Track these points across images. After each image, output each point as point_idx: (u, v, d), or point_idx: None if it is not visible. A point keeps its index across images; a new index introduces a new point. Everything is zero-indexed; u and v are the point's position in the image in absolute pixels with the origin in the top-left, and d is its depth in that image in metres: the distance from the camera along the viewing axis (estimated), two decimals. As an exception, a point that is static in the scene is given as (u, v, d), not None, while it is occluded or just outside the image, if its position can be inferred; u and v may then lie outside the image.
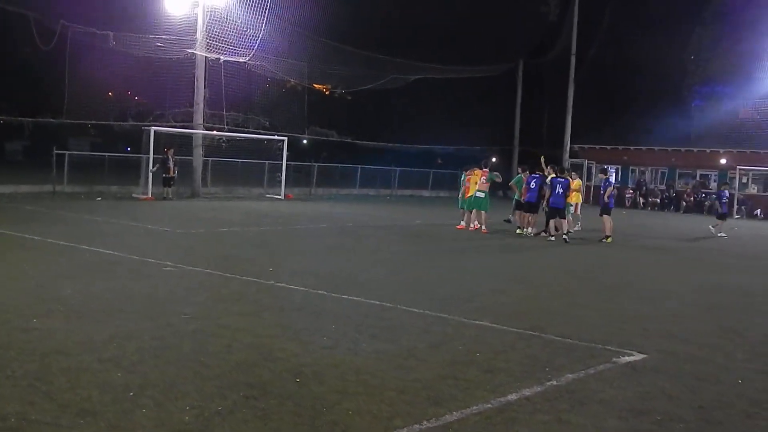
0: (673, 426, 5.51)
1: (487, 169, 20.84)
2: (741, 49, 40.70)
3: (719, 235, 23.56)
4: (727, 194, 25.12)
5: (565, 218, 19.55)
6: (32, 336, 7.01)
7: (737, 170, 38.40)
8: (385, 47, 40.19)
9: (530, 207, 20.29)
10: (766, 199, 37.83)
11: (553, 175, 19.80)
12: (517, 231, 20.54)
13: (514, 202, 21.54)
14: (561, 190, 19.24)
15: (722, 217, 24.42)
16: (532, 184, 20.07)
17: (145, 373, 6.05)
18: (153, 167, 27.50)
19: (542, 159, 21.24)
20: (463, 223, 21.26)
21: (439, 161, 52.46)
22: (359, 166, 40.92)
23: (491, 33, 48.12)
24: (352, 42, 38.13)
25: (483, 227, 20.55)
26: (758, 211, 37.76)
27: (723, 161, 41.18)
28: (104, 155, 33.73)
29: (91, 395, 5.45)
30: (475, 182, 20.71)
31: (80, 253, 12.84)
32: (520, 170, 22.00)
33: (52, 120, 32.68)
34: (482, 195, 20.59)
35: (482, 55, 45.11)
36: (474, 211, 20.86)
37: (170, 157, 27.73)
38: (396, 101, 52.50)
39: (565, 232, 19.28)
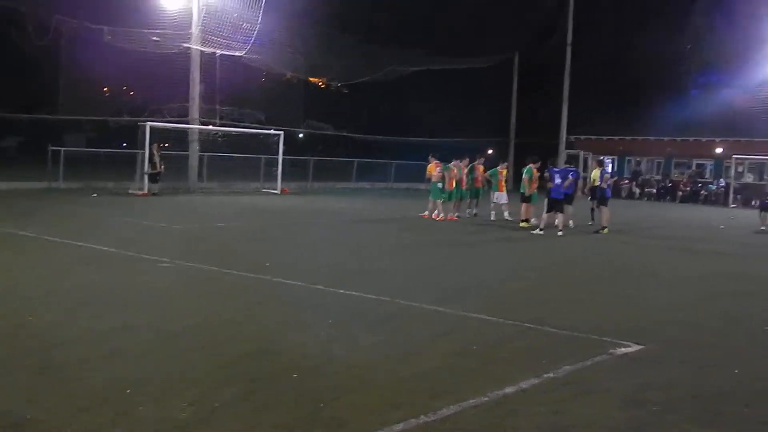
0: (672, 416, 5.52)
1: (437, 161, 21.81)
2: (737, 37, 40.67)
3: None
4: None
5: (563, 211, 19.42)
6: (31, 331, 7.05)
7: (733, 159, 38.40)
8: (381, 39, 40.12)
9: (568, 198, 19.83)
10: (761, 188, 37.81)
11: (565, 166, 20.05)
12: (522, 224, 20.39)
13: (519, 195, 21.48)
14: (560, 180, 19.20)
15: None
16: (569, 177, 19.59)
17: (144, 367, 6.06)
18: (146, 169, 27.31)
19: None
20: (453, 215, 21.74)
21: (436, 154, 52.46)
22: (355, 159, 40.87)
23: (487, 24, 48.07)
24: (348, 34, 38.06)
25: (441, 215, 21.37)
26: (755, 200, 37.74)
27: (719, 150, 41.18)
28: (100, 151, 33.67)
29: (90, 390, 5.46)
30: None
31: (77, 249, 12.82)
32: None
33: (47, 116, 32.60)
34: (441, 185, 21.41)
35: (478, 46, 45.04)
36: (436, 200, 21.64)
37: (156, 152, 27.51)
38: (392, 94, 52.41)
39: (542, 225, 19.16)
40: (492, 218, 21.83)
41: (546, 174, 19.44)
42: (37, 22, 30.05)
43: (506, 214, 22.00)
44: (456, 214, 21.90)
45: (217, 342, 6.94)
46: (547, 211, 18.84)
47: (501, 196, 22.22)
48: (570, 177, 19.65)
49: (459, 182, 21.86)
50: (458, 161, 22.14)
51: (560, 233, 18.40)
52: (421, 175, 42.20)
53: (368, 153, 43.42)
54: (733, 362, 7.10)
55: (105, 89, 37.69)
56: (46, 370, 5.87)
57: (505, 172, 23.02)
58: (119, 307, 8.21)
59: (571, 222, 20.31)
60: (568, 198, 20.18)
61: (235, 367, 6.21)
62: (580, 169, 44.37)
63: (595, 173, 21.57)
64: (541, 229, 18.58)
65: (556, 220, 18.69)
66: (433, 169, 21.70)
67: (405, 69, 42.26)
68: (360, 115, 53.76)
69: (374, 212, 24.40)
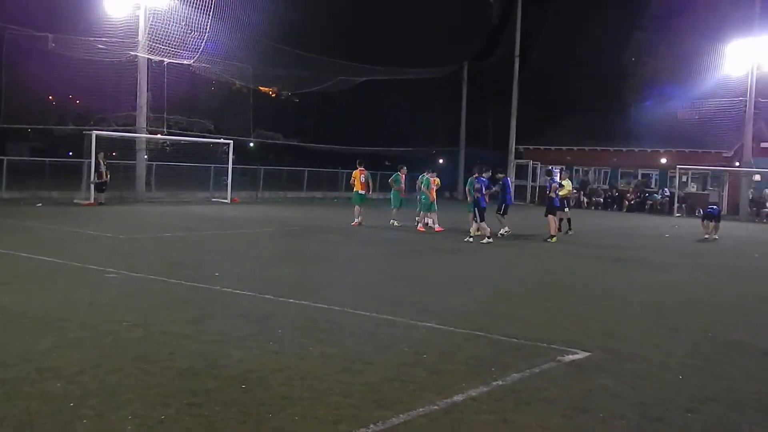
0: (615, 423, 5.60)
1: (363, 169, 23.04)
2: (679, 51, 41.70)
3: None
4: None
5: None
6: (-33, 347, 6.82)
7: (677, 169, 39.28)
8: (331, 49, 40.15)
9: (505, 208, 21.07)
10: (705, 197, 38.78)
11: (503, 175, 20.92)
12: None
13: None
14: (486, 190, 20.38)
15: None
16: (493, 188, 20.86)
17: (85, 383, 5.92)
18: (93, 178, 26.90)
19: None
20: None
21: (387, 163, 52.68)
22: (306, 169, 40.75)
23: (436, 35, 48.47)
24: (298, 44, 38.02)
25: (358, 219, 22.44)
26: (698, 210, 38.63)
27: (663, 161, 42.10)
28: (45, 160, 33.01)
29: (29, 407, 5.32)
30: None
31: (19, 260, 12.53)
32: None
33: (-13, 125, 31.80)
34: (363, 192, 22.72)
35: (428, 57, 45.37)
36: (359, 206, 22.65)
37: (101, 161, 27.14)
38: (343, 103, 52.46)
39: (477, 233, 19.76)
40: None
41: (477, 185, 19.67)
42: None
43: (430, 221, 22.44)
44: (394, 221, 22.72)
45: (161, 355, 6.82)
46: (481, 220, 19.03)
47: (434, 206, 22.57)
48: (494, 187, 20.71)
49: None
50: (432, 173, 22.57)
51: (486, 240, 18.77)
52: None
53: (319, 162, 43.31)
54: (676, 369, 7.23)
55: (50, 97, 36.93)
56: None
57: (436, 182, 22.94)
58: (61, 322, 8.02)
59: (507, 230, 20.69)
60: (506, 207, 20.70)
61: (181, 379, 6.12)
62: (529, 179, 45.25)
63: (567, 184, 22.50)
64: (489, 238, 18.74)
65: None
66: (358, 176, 22.84)
67: (355, 79, 42.36)
68: (310, 125, 53.67)
69: (325, 221, 24.35)
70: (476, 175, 19.86)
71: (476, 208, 19.03)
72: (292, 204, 33.92)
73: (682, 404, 6.13)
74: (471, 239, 18.94)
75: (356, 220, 22.37)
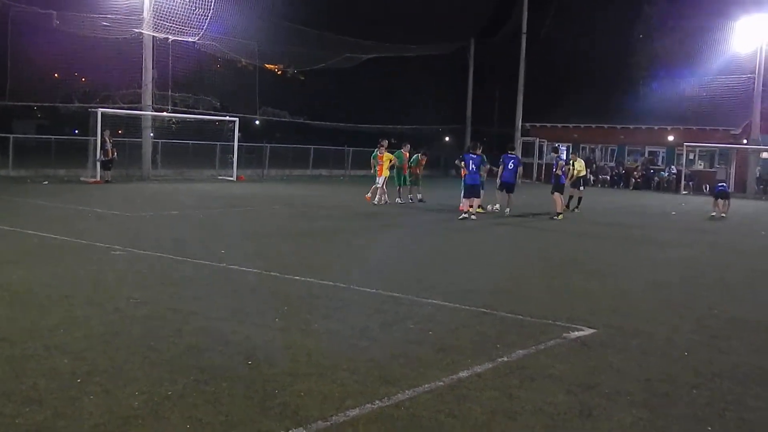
0: (620, 399, 5.60)
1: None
2: (687, 27, 41.36)
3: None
4: None
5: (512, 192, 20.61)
6: (-26, 324, 6.85)
7: (684, 147, 39.08)
8: (337, 26, 39.95)
9: (508, 187, 20.54)
10: (712, 174, 38.63)
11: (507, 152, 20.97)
12: (478, 210, 20.49)
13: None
14: (512, 166, 20.31)
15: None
16: (510, 165, 20.45)
17: (92, 359, 5.95)
18: (99, 156, 26.94)
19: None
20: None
21: (393, 140, 52.53)
22: (312, 146, 40.69)
23: (443, 11, 48.14)
24: (303, 21, 37.84)
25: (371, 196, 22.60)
26: (705, 186, 38.53)
27: (670, 138, 41.91)
28: (50, 138, 33.04)
29: (36, 383, 5.35)
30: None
31: (26, 238, 12.57)
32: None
33: (-6, 102, 31.81)
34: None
35: (434, 34, 45.12)
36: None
37: (107, 139, 27.16)
38: (349, 81, 52.25)
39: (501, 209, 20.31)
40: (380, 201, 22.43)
41: (460, 161, 19.66)
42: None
43: (377, 198, 22.36)
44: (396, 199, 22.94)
45: (168, 331, 6.84)
46: (464, 197, 18.97)
47: (379, 180, 22.37)
48: (511, 164, 20.41)
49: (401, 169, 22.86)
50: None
51: (473, 217, 18.64)
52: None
53: (325, 140, 43.24)
54: (682, 346, 7.23)
55: (55, 75, 36.89)
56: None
57: (384, 156, 22.45)
58: (68, 299, 8.05)
59: (508, 209, 20.50)
60: (510, 186, 20.43)
61: (187, 356, 6.14)
62: (536, 156, 45.13)
63: (580, 164, 22.85)
64: (465, 213, 18.63)
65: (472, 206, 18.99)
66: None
67: (360, 56, 42.18)
68: (317, 102, 53.51)
69: (331, 199, 24.35)
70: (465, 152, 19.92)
71: (463, 184, 19.13)
72: (298, 182, 33.91)
73: (687, 380, 6.13)
74: (474, 216, 18.81)
75: (368, 195, 22.60)
